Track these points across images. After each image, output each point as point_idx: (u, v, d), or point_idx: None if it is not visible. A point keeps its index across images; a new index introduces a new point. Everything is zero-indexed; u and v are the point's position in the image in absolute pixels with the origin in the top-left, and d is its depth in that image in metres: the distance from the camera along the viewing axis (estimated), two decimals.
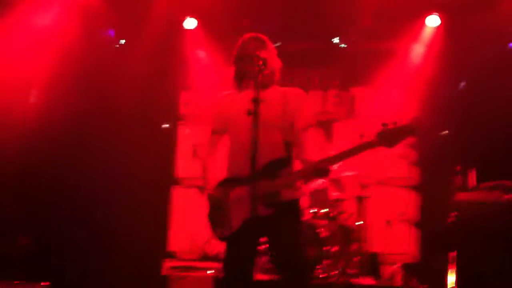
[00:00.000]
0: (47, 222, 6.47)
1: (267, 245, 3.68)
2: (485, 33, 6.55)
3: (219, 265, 6.30)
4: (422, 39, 7.09)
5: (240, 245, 3.51)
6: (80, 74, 6.59)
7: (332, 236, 6.07)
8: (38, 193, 6.53)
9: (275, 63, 3.71)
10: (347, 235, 6.17)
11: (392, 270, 6.57)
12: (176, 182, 7.69)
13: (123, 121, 7.14)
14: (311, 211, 6.18)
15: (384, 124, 3.31)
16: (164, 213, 7.56)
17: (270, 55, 3.66)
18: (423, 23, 7.01)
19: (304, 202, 6.19)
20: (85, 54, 6.52)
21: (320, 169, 3.46)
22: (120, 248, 6.89)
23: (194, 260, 7.42)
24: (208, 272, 6.64)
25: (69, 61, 6.32)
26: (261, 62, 3.49)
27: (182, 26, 7.18)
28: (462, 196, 5.32)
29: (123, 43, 7.37)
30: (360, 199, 6.23)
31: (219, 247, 4.02)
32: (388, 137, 3.30)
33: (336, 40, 7.36)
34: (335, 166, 6.03)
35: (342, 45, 7.38)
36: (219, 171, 3.71)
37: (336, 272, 5.90)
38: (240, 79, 3.72)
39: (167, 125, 7.77)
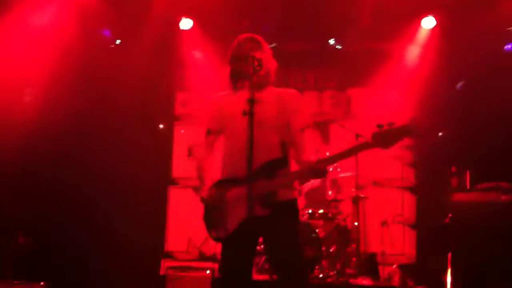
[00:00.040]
0: (46, 222, 6.46)
1: (264, 245, 3.68)
2: (482, 34, 6.55)
3: (216, 265, 6.33)
4: (418, 40, 7.10)
5: (237, 245, 3.50)
6: (77, 74, 6.59)
7: (329, 237, 6.09)
8: (38, 193, 6.52)
9: (271, 64, 3.71)
10: (344, 236, 6.18)
11: (390, 270, 6.57)
12: (172, 182, 7.70)
13: (120, 121, 7.14)
14: (308, 211, 6.18)
15: (379, 126, 3.30)
16: (161, 213, 7.56)
17: (266, 56, 3.66)
18: (419, 24, 7.01)
19: (300, 202, 6.20)
20: (83, 54, 6.53)
21: (317, 170, 3.45)
22: (118, 248, 6.89)
23: (191, 260, 7.43)
24: (205, 272, 6.64)
25: (67, 61, 6.32)
26: (256, 63, 3.50)
27: (179, 27, 7.17)
28: (459, 197, 5.32)
29: (118, 43, 7.36)
30: (356, 200, 6.22)
31: (216, 247, 4.02)
32: (384, 138, 3.29)
33: (332, 41, 7.35)
34: (331, 167, 6.10)
35: (338, 47, 7.38)
36: (214, 171, 3.70)
37: (334, 272, 5.91)
38: (236, 80, 3.72)
39: (161, 126, 7.77)
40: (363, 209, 6.33)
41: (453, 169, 5.72)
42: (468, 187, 5.63)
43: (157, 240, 7.49)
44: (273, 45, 3.84)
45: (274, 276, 5.01)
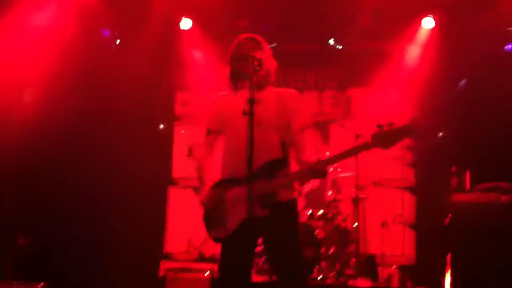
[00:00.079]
0: (46, 222, 6.46)
1: (264, 246, 3.68)
2: (482, 34, 6.55)
3: (216, 266, 6.32)
4: (418, 40, 7.09)
5: (237, 246, 3.50)
6: (77, 74, 6.59)
7: (328, 237, 6.08)
8: (38, 193, 6.51)
9: (271, 64, 3.70)
10: (343, 237, 6.17)
11: (389, 271, 6.56)
12: (172, 182, 7.69)
13: (120, 121, 7.13)
14: (307, 212, 6.18)
15: (379, 126, 3.30)
16: (160, 214, 7.55)
17: (266, 56, 3.66)
18: (419, 24, 7.01)
19: (300, 203, 6.20)
20: (83, 54, 6.52)
21: (317, 170, 3.45)
22: (117, 249, 6.88)
23: (190, 261, 7.42)
24: (205, 273, 6.62)
25: (67, 61, 6.32)
26: (256, 63, 3.50)
27: (179, 26, 7.17)
28: (459, 197, 5.32)
29: (118, 43, 7.35)
30: (356, 200, 6.22)
31: (215, 248, 4.01)
32: (384, 138, 3.29)
33: (332, 41, 7.35)
34: (331, 168, 6.09)
35: (338, 47, 7.37)
36: (215, 171, 3.70)
37: (334, 273, 5.90)
38: (236, 80, 3.72)
39: (162, 126, 7.76)
40: (363, 209, 6.32)
41: (453, 169, 5.72)
42: (468, 187, 5.63)
43: (157, 241, 7.48)
44: (273, 45, 3.84)
45: (274, 277, 5.00)
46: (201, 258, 7.38)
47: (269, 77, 3.70)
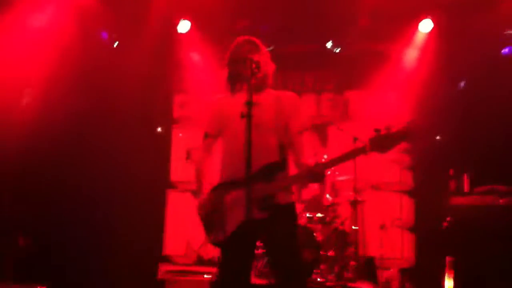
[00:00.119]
0: (46, 222, 6.45)
1: (263, 249, 3.67)
2: (480, 36, 6.54)
3: (214, 269, 6.32)
4: (416, 42, 7.09)
5: (235, 249, 3.50)
6: (76, 75, 6.58)
7: (327, 241, 6.07)
8: (38, 193, 6.51)
9: (269, 66, 3.71)
10: (342, 240, 6.16)
11: (389, 274, 6.56)
12: (171, 185, 7.69)
13: (118, 123, 7.12)
14: (306, 215, 6.17)
15: (376, 130, 3.32)
16: (159, 217, 7.54)
17: (263, 58, 3.67)
18: (417, 27, 7.01)
19: (299, 206, 6.19)
20: (81, 56, 6.51)
21: (315, 173, 3.45)
22: (116, 251, 6.86)
23: (189, 264, 7.42)
24: (204, 276, 6.63)
25: (66, 62, 6.31)
26: (254, 65, 3.51)
27: (177, 29, 7.16)
28: (457, 200, 5.33)
29: (116, 45, 7.35)
30: (354, 204, 6.21)
31: (214, 251, 4.00)
32: (381, 143, 3.31)
33: (329, 44, 7.35)
34: (329, 171, 6.09)
35: (336, 50, 7.37)
36: (213, 174, 3.70)
37: (333, 276, 5.90)
38: (234, 82, 3.73)
39: (160, 129, 7.76)
40: (361, 212, 6.32)
41: (451, 172, 5.73)
42: (466, 190, 5.64)
43: (155, 244, 7.46)
44: (271, 47, 3.83)
45: (273, 280, 5.00)
46: (200, 261, 7.38)
47: (267, 80, 3.71)
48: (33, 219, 6.34)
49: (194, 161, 3.89)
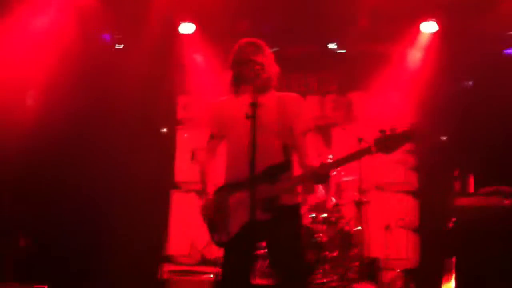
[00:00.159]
0: (48, 222, 6.45)
1: (266, 250, 3.68)
2: (483, 37, 6.54)
3: (217, 269, 6.31)
4: (419, 43, 7.07)
5: (239, 249, 3.51)
6: (79, 77, 6.59)
7: (331, 241, 6.06)
8: (38, 193, 6.52)
9: (272, 68, 3.71)
10: (346, 240, 6.15)
11: (392, 275, 6.55)
12: (175, 186, 7.69)
13: (122, 124, 7.13)
14: (310, 215, 6.17)
15: (381, 131, 3.33)
16: (163, 217, 7.54)
17: (267, 60, 3.67)
18: (420, 28, 7.00)
19: (303, 207, 6.19)
20: (83, 57, 6.53)
21: (320, 174, 3.46)
22: (119, 251, 6.86)
23: (193, 264, 7.42)
24: (207, 276, 6.63)
25: (67, 63, 6.32)
26: (258, 67, 3.52)
27: (180, 30, 7.15)
28: (462, 201, 5.32)
29: (121, 47, 7.36)
30: (359, 204, 6.21)
31: (218, 251, 4.03)
32: (386, 143, 3.32)
33: (332, 45, 7.34)
34: (334, 172, 6.09)
35: (339, 51, 7.36)
36: (218, 175, 3.71)
37: (336, 277, 5.89)
38: (238, 84, 3.71)
39: (164, 130, 7.76)
40: (366, 213, 6.31)
41: (456, 172, 5.72)
42: (471, 190, 5.63)
43: (159, 244, 7.46)
44: (275, 49, 3.83)
45: (275, 281, 5.00)
46: (204, 261, 7.37)
47: (271, 81, 3.70)
48: (34, 219, 6.36)
49: (199, 162, 3.89)
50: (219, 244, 3.60)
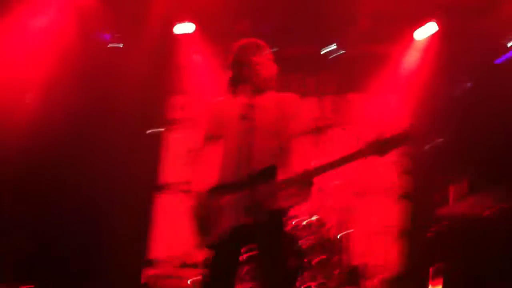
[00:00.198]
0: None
1: (250, 254, 3.67)
2: (481, 39, 6.59)
3: (200, 272, 6.28)
4: (417, 45, 7.13)
5: (225, 253, 3.51)
6: (78, 76, 6.53)
7: (313, 248, 6.07)
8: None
9: (271, 69, 3.73)
10: (328, 247, 6.17)
11: (375, 282, 6.58)
12: (161, 188, 7.62)
13: (113, 124, 7.07)
14: (292, 222, 6.18)
15: (375, 134, 3.34)
16: (147, 220, 7.46)
17: (266, 61, 3.69)
18: (419, 29, 7.05)
19: (287, 212, 6.19)
20: (82, 57, 6.49)
21: (308, 178, 3.48)
22: (100, 254, 6.79)
23: (174, 267, 7.35)
24: (189, 280, 6.59)
25: (66, 63, 6.29)
26: (256, 67, 3.53)
27: (177, 30, 7.15)
28: (445, 209, 5.40)
29: (118, 46, 7.31)
30: (342, 210, 6.24)
31: (201, 255, 4.04)
32: (379, 146, 3.34)
33: (330, 47, 7.37)
34: (323, 175, 6.11)
35: (338, 52, 7.39)
36: (210, 177, 3.69)
37: (317, 283, 5.90)
38: (236, 84, 3.72)
39: (156, 130, 7.69)
40: (350, 219, 6.35)
41: (450, 177, 5.78)
42: (465, 196, 5.68)
43: (140, 247, 7.37)
44: (275, 49, 3.86)
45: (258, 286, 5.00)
46: (186, 265, 7.31)
47: (269, 82, 3.71)
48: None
49: (193, 163, 3.87)
50: (207, 246, 3.58)
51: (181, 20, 7.03)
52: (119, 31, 7.21)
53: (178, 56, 7.31)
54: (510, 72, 6.56)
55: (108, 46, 7.20)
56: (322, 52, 7.38)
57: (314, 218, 6.25)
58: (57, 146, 6.48)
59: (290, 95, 3.76)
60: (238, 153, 3.41)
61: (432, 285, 5.19)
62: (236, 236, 3.43)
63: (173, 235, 7.22)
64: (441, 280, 5.08)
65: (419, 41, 7.11)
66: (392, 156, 3.56)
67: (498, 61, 6.69)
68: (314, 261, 6.01)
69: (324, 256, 6.08)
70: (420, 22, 7.01)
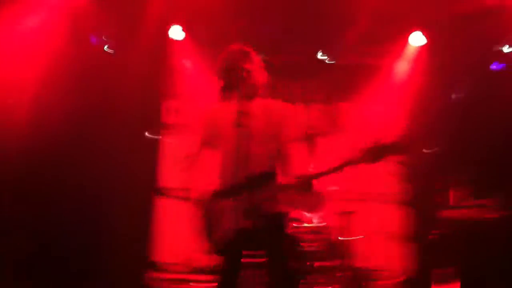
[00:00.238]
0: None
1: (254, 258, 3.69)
2: (471, 50, 6.58)
3: (205, 277, 6.30)
4: (408, 54, 7.11)
5: (228, 257, 3.54)
6: (74, 77, 6.55)
7: (315, 251, 6.06)
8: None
9: (261, 75, 3.73)
10: (331, 250, 6.15)
11: (379, 286, 6.55)
12: (161, 192, 7.61)
13: (114, 127, 7.07)
14: (295, 225, 6.16)
15: (370, 141, 3.33)
16: (148, 224, 7.46)
17: (256, 67, 3.70)
18: (409, 39, 7.04)
19: (288, 216, 6.18)
20: (77, 58, 6.50)
21: (305, 183, 3.49)
22: (103, 257, 6.80)
23: (180, 272, 7.34)
24: (191, 283, 6.60)
25: (60, 64, 6.30)
26: (245, 74, 3.54)
27: (171, 35, 7.14)
28: (447, 213, 5.36)
29: (109, 51, 7.32)
30: (344, 214, 6.21)
31: (206, 259, 4.05)
32: (371, 154, 3.34)
33: (321, 55, 7.35)
34: (319, 180, 6.09)
35: (327, 61, 7.38)
36: (207, 182, 3.71)
37: (320, 287, 5.88)
38: (226, 91, 3.73)
39: (153, 135, 7.70)
40: (351, 223, 6.32)
41: (442, 184, 5.75)
42: (456, 203, 5.67)
43: (143, 251, 7.37)
44: (264, 56, 3.85)
45: None
46: (190, 270, 7.30)
47: (258, 88, 3.72)
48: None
49: (188, 168, 3.89)
50: (210, 251, 3.61)
51: (176, 23, 7.02)
52: (112, 33, 7.20)
53: (172, 60, 7.30)
54: (505, 77, 6.52)
55: (103, 48, 7.19)
56: (314, 58, 7.37)
57: (316, 222, 6.24)
58: (56, 147, 6.47)
59: (280, 102, 3.77)
60: (235, 159, 3.44)
61: None
62: (236, 240, 3.44)
63: (173, 239, 7.22)
64: (444, 284, 5.05)
65: (410, 49, 7.09)
66: (391, 162, 3.55)
67: (493, 67, 6.64)
68: (316, 264, 5.99)
69: (327, 260, 6.06)
70: (410, 31, 6.99)
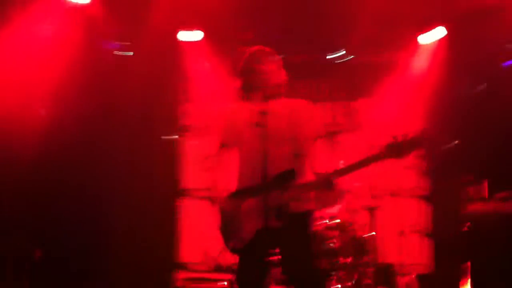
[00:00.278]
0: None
1: (280, 256, 3.70)
2: (490, 44, 6.48)
3: (232, 276, 6.32)
4: (426, 49, 7.02)
5: (252, 256, 3.53)
6: (85, 81, 6.61)
7: (344, 247, 6.03)
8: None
9: (281, 75, 3.74)
10: (359, 246, 6.12)
11: (407, 280, 6.51)
12: (185, 193, 7.65)
13: (130, 131, 7.13)
14: (323, 222, 6.15)
15: (393, 137, 3.33)
16: (174, 224, 7.51)
17: (276, 67, 3.71)
18: (426, 34, 6.96)
19: (313, 214, 6.16)
20: (89, 64, 6.56)
21: (329, 181, 3.48)
22: (130, 259, 6.87)
23: (207, 271, 7.39)
24: (219, 284, 6.63)
25: (73, 70, 6.36)
26: (266, 75, 3.54)
27: (184, 38, 7.14)
28: (476, 206, 5.29)
29: (126, 54, 7.36)
30: (371, 210, 6.17)
31: (232, 258, 4.08)
32: (397, 149, 3.34)
33: (338, 53, 7.32)
34: (344, 178, 6.06)
35: (346, 58, 7.34)
36: (229, 183, 3.73)
37: (351, 283, 5.85)
38: (247, 92, 3.75)
39: (173, 136, 7.73)
40: (379, 219, 6.29)
41: (470, 177, 5.68)
42: (485, 195, 5.59)
43: (170, 252, 7.43)
44: (283, 56, 3.87)
45: None
46: (218, 269, 7.34)
47: (280, 88, 3.73)
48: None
49: (211, 169, 3.92)
50: (234, 251, 3.63)
51: (187, 27, 7.03)
52: (126, 39, 7.23)
53: (184, 63, 7.30)
54: None
55: (115, 53, 7.23)
56: (328, 57, 7.35)
57: (340, 219, 6.22)
58: (73, 151, 6.55)
59: (302, 101, 3.77)
60: (255, 159, 3.43)
61: (462, 283, 5.10)
62: (260, 239, 3.44)
63: (205, 239, 7.25)
64: (470, 278, 4.99)
65: (426, 45, 6.99)
66: (411, 158, 3.53)
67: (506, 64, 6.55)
68: (346, 260, 5.96)
69: (356, 255, 6.04)
70: (427, 26, 6.90)
